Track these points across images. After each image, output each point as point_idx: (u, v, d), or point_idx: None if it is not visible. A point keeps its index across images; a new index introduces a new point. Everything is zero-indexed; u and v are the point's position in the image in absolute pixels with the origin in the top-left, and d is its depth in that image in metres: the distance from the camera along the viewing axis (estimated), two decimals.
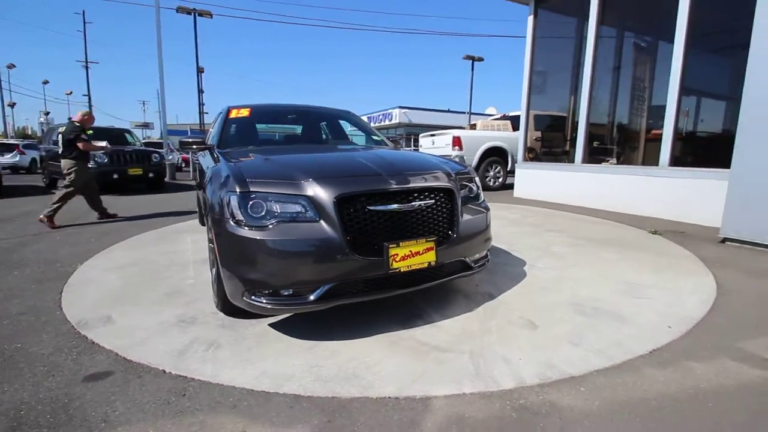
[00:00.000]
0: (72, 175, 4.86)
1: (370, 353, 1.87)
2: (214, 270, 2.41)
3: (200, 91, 24.36)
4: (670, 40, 4.95)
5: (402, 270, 1.93)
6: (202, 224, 4.75)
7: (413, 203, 1.99)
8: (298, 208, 1.88)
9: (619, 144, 6.35)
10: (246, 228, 1.83)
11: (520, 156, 7.54)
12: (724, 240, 3.80)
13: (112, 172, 8.33)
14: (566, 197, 6.39)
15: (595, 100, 6.16)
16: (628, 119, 6.38)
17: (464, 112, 41.33)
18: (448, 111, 40.33)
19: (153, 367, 1.77)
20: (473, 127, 9.54)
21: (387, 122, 34.44)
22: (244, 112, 3.35)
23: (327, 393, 1.58)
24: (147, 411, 1.48)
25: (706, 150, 5.12)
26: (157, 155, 9.28)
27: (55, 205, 4.77)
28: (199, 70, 23.27)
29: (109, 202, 7.30)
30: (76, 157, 4.87)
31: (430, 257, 2.01)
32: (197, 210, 5.04)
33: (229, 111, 3.32)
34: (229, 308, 2.18)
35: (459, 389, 1.60)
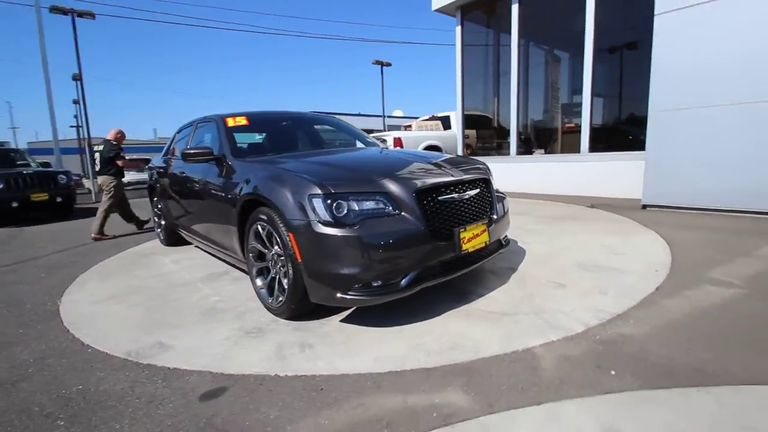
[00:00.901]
0: (112, 191, 5.26)
1: (453, 327, 2.10)
2: (262, 279, 2.40)
3: (78, 102, 21.26)
4: (578, 51, 6.00)
5: (469, 251, 2.20)
6: (170, 244, 4.41)
7: (469, 192, 2.27)
8: (378, 204, 2.02)
9: (545, 137, 7.39)
10: (336, 228, 1.92)
11: (459, 152, 8.27)
12: (645, 206, 4.79)
13: (9, 200, 7.02)
14: (506, 185, 7.22)
15: (522, 100, 7.09)
16: (551, 115, 7.46)
17: (376, 116, 42.61)
18: (359, 114, 41.26)
19: (264, 374, 1.77)
20: (408, 128, 10.12)
21: None
22: (242, 121, 3.27)
23: (447, 362, 1.78)
24: (299, 408, 1.52)
25: (614, 137, 6.29)
26: (63, 176, 8.02)
27: (100, 220, 5.19)
28: (75, 77, 20.25)
29: (13, 234, 6.25)
30: (115, 173, 5.27)
31: (486, 238, 2.31)
32: (150, 230, 4.62)
33: (225, 121, 3.21)
34: (298, 312, 2.22)
35: (547, 339, 1.93)
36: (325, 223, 1.94)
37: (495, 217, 2.45)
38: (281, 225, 2.11)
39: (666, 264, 2.85)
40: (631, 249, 3.26)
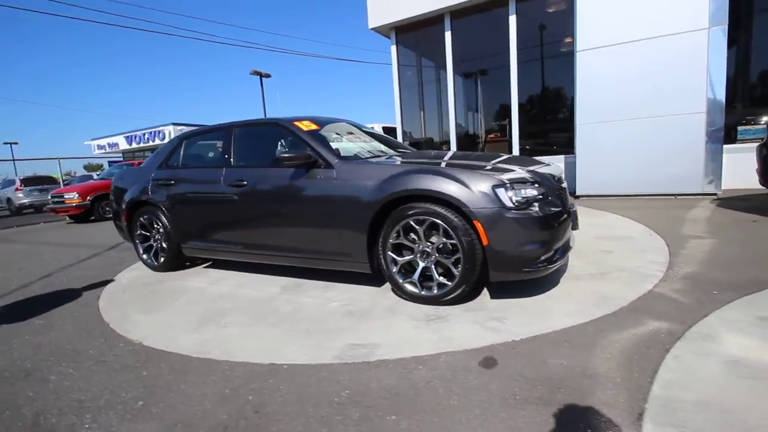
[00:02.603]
0: None
1: (583, 287, 2.65)
2: (406, 275, 2.54)
3: None
4: (503, 74, 7.35)
5: (578, 226, 2.81)
6: (170, 269, 3.86)
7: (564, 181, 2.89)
8: (537, 189, 2.43)
9: (480, 145, 8.63)
10: (519, 211, 2.28)
11: None
12: (579, 196, 6.23)
13: None
14: None
15: (456, 115, 8.18)
16: (482, 128, 8.72)
17: None
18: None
19: (503, 342, 2.01)
20: None
21: (158, 141, 29.77)
22: (313, 126, 3.22)
23: (617, 307, 2.31)
24: (578, 352, 1.85)
25: (538, 144, 7.77)
26: None
27: None
28: None
29: None
30: None
31: None
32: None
33: (296, 125, 3.13)
34: (465, 295, 2.46)
35: (651, 283, 2.64)
36: (510, 209, 2.28)
37: None
38: (454, 218, 2.34)
39: (647, 229, 3.98)
40: (615, 223, 4.37)
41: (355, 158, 3.04)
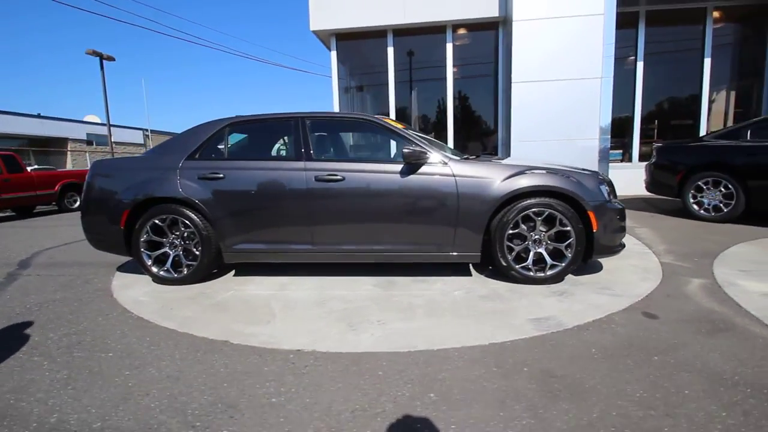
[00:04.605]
0: None
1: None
2: (519, 259, 2.97)
3: None
4: (439, 85, 8.30)
5: None
6: (199, 280, 3.31)
7: None
8: (611, 187, 3.15)
9: None
10: (613, 203, 2.97)
11: None
12: None
13: None
14: None
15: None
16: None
17: (72, 120, 32.95)
18: (39, 116, 30.58)
19: (638, 300, 2.63)
20: None
21: None
22: (400, 124, 3.28)
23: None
24: (687, 329, 2.59)
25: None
26: None
27: None
28: None
29: None
30: None
31: None
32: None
33: (391, 122, 3.17)
34: (567, 273, 3.00)
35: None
36: (608, 201, 2.94)
37: None
38: (569, 209, 2.87)
39: None
40: None
41: (461, 157, 3.23)
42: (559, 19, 6.93)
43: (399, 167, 3.00)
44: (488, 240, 3.00)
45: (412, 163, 2.95)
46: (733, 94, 8.41)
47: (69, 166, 27.81)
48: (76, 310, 2.82)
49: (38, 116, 30.62)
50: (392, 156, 3.40)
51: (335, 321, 2.48)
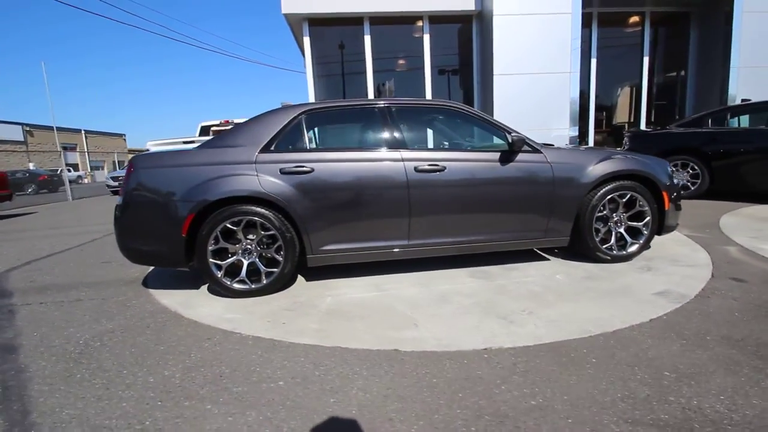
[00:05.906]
0: None
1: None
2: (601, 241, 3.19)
3: None
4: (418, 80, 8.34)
5: None
6: (278, 289, 2.97)
7: None
8: None
9: None
10: (676, 185, 3.31)
11: None
12: None
13: None
14: None
15: None
16: None
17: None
18: None
19: (714, 273, 2.99)
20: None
21: None
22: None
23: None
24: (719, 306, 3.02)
25: None
26: None
27: None
28: None
29: None
30: None
31: None
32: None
33: (477, 111, 3.13)
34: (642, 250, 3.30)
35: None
36: (674, 183, 3.28)
37: None
38: (647, 191, 3.14)
39: None
40: None
41: (546, 145, 3.30)
42: (532, 16, 7.41)
43: (497, 155, 2.99)
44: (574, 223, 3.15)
45: (515, 152, 2.96)
46: (655, 87, 9.84)
47: None
48: (160, 340, 2.31)
49: None
50: (477, 144, 3.37)
51: (482, 316, 2.41)
